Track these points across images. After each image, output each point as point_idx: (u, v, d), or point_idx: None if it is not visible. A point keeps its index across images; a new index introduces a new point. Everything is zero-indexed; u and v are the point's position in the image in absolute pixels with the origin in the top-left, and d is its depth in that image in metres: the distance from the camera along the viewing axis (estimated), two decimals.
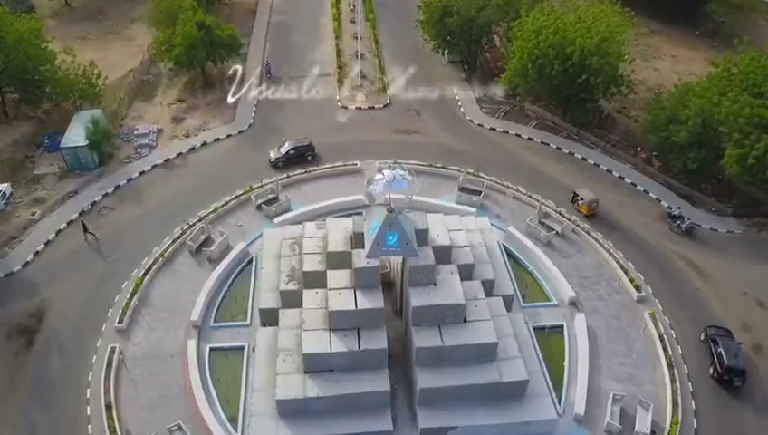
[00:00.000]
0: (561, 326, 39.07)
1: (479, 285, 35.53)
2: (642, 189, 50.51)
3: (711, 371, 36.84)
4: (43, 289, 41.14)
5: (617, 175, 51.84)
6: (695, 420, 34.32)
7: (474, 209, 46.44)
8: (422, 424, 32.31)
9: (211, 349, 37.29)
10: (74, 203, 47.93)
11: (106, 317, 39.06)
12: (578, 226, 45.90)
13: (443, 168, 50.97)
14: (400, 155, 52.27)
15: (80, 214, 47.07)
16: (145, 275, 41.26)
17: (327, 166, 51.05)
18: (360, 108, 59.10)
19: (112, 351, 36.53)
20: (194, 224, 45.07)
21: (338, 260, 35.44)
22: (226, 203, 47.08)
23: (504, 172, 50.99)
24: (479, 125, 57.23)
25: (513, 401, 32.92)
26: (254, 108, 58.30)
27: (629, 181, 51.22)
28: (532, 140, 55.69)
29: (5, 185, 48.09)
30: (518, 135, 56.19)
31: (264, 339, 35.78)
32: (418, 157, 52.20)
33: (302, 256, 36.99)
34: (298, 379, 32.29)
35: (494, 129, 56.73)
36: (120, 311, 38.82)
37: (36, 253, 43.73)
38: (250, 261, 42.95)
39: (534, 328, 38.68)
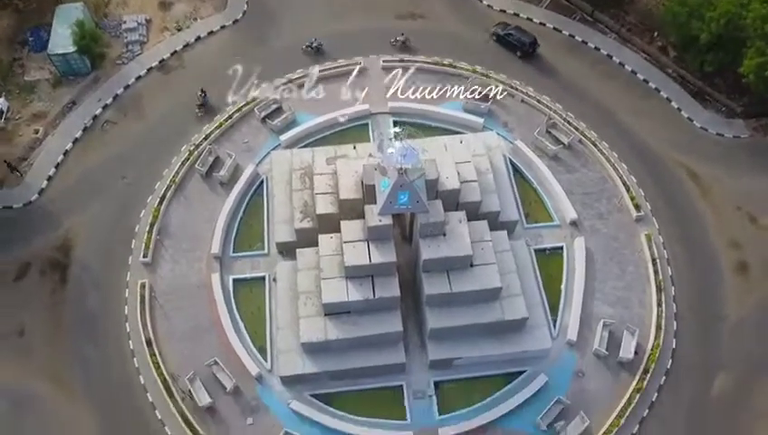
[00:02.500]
0: (562, 248, 41.38)
1: (485, 226, 37.16)
2: (654, 87, 49.31)
3: (518, 54, 49.34)
4: (64, 219, 42.60)
5: (629, 69, 50.19)
6: (674, 341, 38.30)
7: (481, 119, 46.04)
8: (431, 356, 36.27)
9: (234, 280, 39.94)
10: (76, 118, 47.18)
11: (130, 250, 41.17)
12: (585, 136, 45.90)
13: (451, 66, 49.17)
14: (405, 47, 50.34)
15: (83, 130, 46.59)
16: (161, 203, 42.40)
17: (328, 66, 49.11)
18: None
19: (143, 286, 39.26)
20: (200, 144, 45.00)
21: (350, 207, 36.65)
22: (230, 117, 46.36)
23: (514, 69, 49.35)
24: (488, 6, 53.65)
25: (513, 333, 36.54)
26: None
27: (642, 77, 49.76)
28: (544, 25, 52.72)
29: (2, 101, 46.74)
30: (529, 19, 53.03)
31: (284, 274, 38.33)
32: (424, 48, 50.30)
33: (315, 197, 37.94)
34: (319, 322, 35.46)
35: (504, 11, 53.33)
36: (143, 244, 40.76)
37: (49, 178, 44.28)
38: (261, 183, 43.77)
39: (536, 250, 41.07)
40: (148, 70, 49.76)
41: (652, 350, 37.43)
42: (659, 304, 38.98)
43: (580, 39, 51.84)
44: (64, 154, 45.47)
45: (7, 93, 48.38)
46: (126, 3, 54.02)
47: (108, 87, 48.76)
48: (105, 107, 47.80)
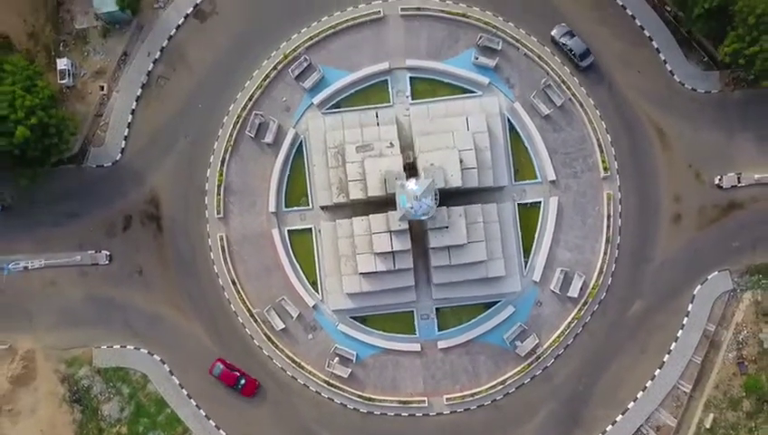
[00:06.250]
0: (540, 202, 53.18)
1: (479, 210, 49.00)
2: (648, 35, 54.05)
3: None
4: (147, 177, 53.59)
5: (629, 13, 54.14)
6: (610, 279, 52.94)
7: (486, 80, 53.00)
8: (435, 296, 51.73)
9: (289, 231, 53.09)
10: (133, 73, 54.11)
11: (204, 205, 53.31)
12: (575, 95, 53.30)
13: (463, 16, 53.53)
14: None
15: (142, 87, 54.15)
16: (222, 165, 52.95)
17: (349, 16, 53.54)
18: None
19: (221, 238, 52.68)
20: (246, 104, 53.11)
21: (376, 200, 48.12)
22: (267, 77, 53.36)
23: (520, 11, 53.74)
24: None
25: (494, 281, 51.28)
26: None
27: (639, 23, 54.09)
28: None
29: (67, 61, 52.99)
30: None
31: (327, 232, 51.44)
32: None
33: (348, 183, 48.86)
34: (356, 278, 50.01)
35: None
36: (215, 202, 52.78)
37: (125, 137, 53.84)
38: (300, 143, 53.39)
39: (519, 204, 53.10)
40: (185, 17, 54.32)
41: (592, 289, 52.35)
42: (605, 253, 52.51)
43: None
44: (132, 113, 53.92)
45: (64, 44, 54.35)
46: None
47: (153, 39, 54.30)
48: (155, 61, 54.14)
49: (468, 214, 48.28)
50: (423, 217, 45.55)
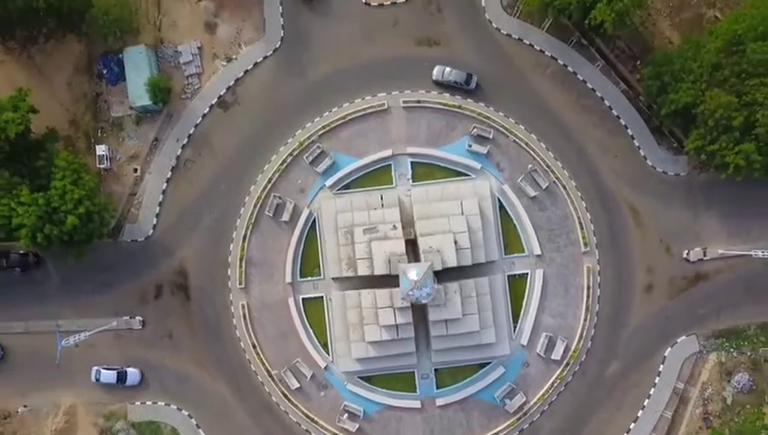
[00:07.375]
0: (527, 274, 59.64)
1: (472, 285, 55.38)
2: (624, 124, 60.68)
3: None
4: (176, 250, 59.96)
5: (607, 104, 60.78)
6: (590, 343, 59.38)
7: (479, 165, 59.52)
8: (434, 360, 58.14)
9: (303, 299, 59.51)
10: (163, 157, 60.55)
11: (228, 276, 59.70)
12: (559, 178, 59.83)
13: (458, 107, 60.06)
14: (421, 79, 60.48)
15: (171, 170, 60.62)
16: (244, 240, 59.38)
17: (359, 108, 60.05)
18: (381, 4, 61.10)
19: (243, 306, 59.09)
20: (265, 186, 59.58)
21: (381, 278, 54.57)
22: (284, 162, 59.86)
23: (511, 103, 60.25)
24: (497, 29, 61.04)
25: (486, 346, 57.68)
26: (281, 12, 60.84)
27: (616, 113, 60.72)
28: (543, 53, 61.01)
29: (105, 147, 59.48)
30: (531, 45, 61.04)
31: (337, 301, 57.86)
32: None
33: (356, 261, 55.34)
34: (363, 345, 56.40)
35: (510, 35, 61.03)
36: (237, 274, 59.16)
37: (157, 215, 60.28)
38: (314, 220, 59.81)
39: (509, 275, 59.55)
40: (210, 107, 60.84)
41: (573, 351, 58.77)
42: (585, 320, 58.95)
43: (571, 69, 60.90)
44: (162, 193, 60.37)
45: (102, 130, 60.84)
46: (176, 24, 61.48)
47: (181, 126, 60.75)
48: (183, 146, 60.63)
49: (463, 289, 54.71)
50: (423, 302, 52.02)
